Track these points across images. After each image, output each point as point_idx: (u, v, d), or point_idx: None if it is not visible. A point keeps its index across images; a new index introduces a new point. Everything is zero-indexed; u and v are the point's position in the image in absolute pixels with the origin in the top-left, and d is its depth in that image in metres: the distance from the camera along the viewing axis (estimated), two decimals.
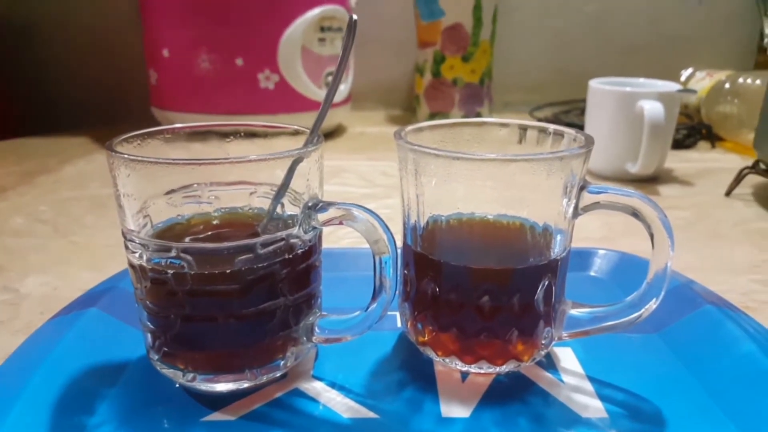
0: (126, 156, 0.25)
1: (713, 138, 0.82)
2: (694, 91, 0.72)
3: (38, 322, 0.33)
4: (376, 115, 1.03)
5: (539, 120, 0.88)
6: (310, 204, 0.27)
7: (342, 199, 0.61)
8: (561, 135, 0.30)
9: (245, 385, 0.28)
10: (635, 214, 0.26)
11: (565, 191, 0.27)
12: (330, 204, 0.27)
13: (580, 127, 0.73)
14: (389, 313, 0.28)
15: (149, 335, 0.28)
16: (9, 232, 0.52)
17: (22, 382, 0.27)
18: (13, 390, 0.26)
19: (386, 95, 1.08)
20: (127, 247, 0.27)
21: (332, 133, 0.89)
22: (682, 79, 0.93)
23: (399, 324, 0.32)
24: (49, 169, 0.71)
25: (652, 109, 0.59)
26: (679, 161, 0.73)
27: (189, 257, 0.25)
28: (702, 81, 0.88)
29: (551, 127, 0.30)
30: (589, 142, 0.27)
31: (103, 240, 0.50)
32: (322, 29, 0.78)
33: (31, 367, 0.28)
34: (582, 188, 0.27)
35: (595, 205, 0.27)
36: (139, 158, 0.24)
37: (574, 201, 0.27)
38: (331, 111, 0.85)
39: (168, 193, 0.27)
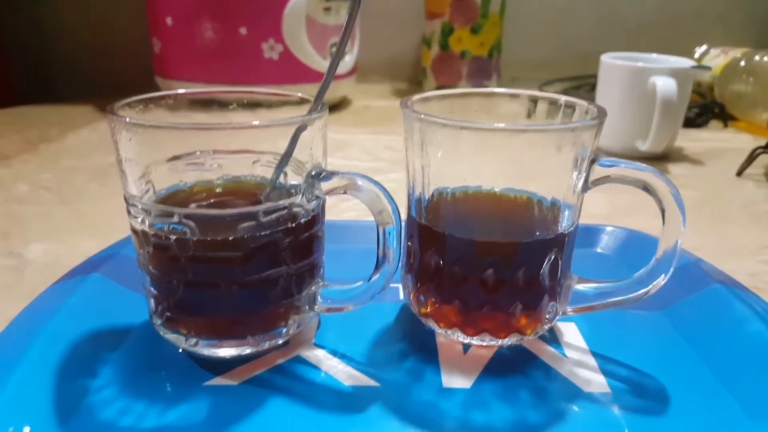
0: (128, 120, 0.24)
1: (726, 117, 0.81)
2: (708, 68, 0.70)
3: (41, 288, 0.33)
4: (382, 89, 1.02)
5: None
6: (313, 173, 0.26)
7: None
8: (572, 107, 0.29)
9: (247, 351, 0.28)
10: (647, 188, 0.26)
11: (575, 164, 0.26)
12: (334, 173, 0.26)
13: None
14: (392, 285, 0.28)
15: (152, 300, 0.28)
16: (13, 199, 0.52)
17: (25, 346, 0.27)
18: (16, 354, 0.26)
19: (392, 68, 1.06)
20: (129, 213, 0.27)
21: (337, 106, 0.88)
22: (696, 56, 0.91)
23: (401, 296, 0.32)
24: (52, 137, 0.71)
25: (665, 85, 0.58)
26: (690, 140, 0.72)
27: (191, 223, 0.25)
28: (716, 58, 0.87)
29: (562, 98, 0.30)
30: (602, 114, 0.26)
31: (106, 208, 0.49)
32: None
33: (34, 331, 0.28)
34: (593, 161, 0.26)
35: (606, 179, 0.27)
36: (141, 122, 0.24)
37: (584, 174, 0.27)
38: (336, 83, 0.84)
39: (170, 159, 0.27)
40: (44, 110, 0.85)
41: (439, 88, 0.92)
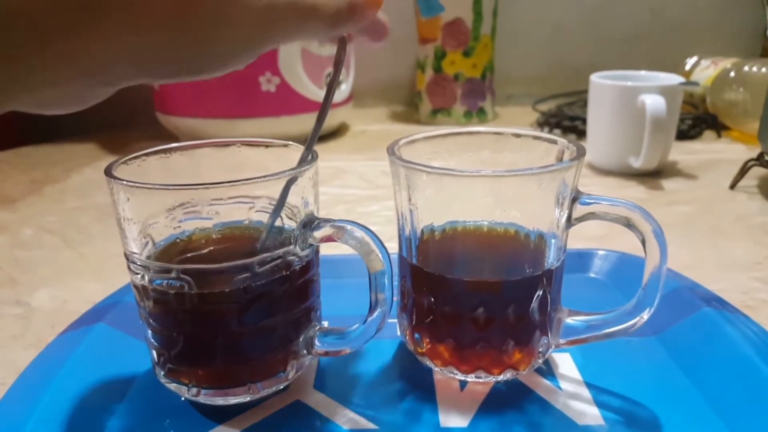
0: (125, 182, 0.25)
1: (719, 127, 0.81)
2: (696, 84, 0.71)
3: (49, 336, 0.34)
4: (379, 112, 1.03)
5: (543, 113, 0.87)
6: (305, 222, 0.27)
7: (344, 202, 0.61)
8: (554, 142, 0.30)
9: (248, 398, 0.28)
10: (629, 225, 0.27)
11: (557, 202, 0.27)
12: (325, 221, 0.27)
13: (584, 119, 0.73)
14: (389, 320, 0.29)
15: (154, 352, 0.29)
16: (19, 245, 0.53)
17: (35, 399, 0.28)
18: (27, 406, 0.27)
19: (388, 92, 1.08)
20: (129, 268, 0.28)
21: (334, 133, 0.89)
22: (687, 67, 0.92)
23: (399, 332, 0.33)
24: (55, 178, 0.72)
25: (654, 103, 0.59)
26: (683, 153, 0.73)
27: (189, 278, 0.26)
28: (707, 69, 0.88)
29: (543, 135, 0.31)
30: (580, 153, 0.27)
31: (109, 250, 0.51)
32: None
33: (43, 383, 0.29)
34: (574, 200, 0.27)
35: (589, 216, 0.27)
36: (138, 184, 0.25)
37: (566, 212, 0.27)
38: (333, 111, 0.85)
39: (168, 210, 0.27)
40: (48, 150, 0.86)
41: (434, 110, 0.93)
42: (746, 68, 0.79)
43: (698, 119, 0.82)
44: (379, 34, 0.28)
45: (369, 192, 0.64)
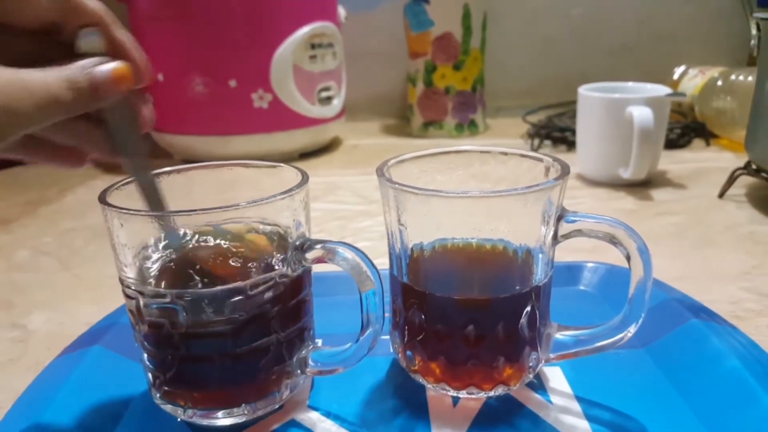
0: (118, 209, 0.26)
1: (708, 136, 0.82)
2: (683, 95, 0.72)
3: (46, 359, 0.34)
4: (371, 126, 1.04)
5: (533, 124, 0.88)
6: (297, 243, 0.28)
7: (337, 218, 0.61)
8: (540, 160, 0.31)
9: (243, 419, 0.29)
10: (614, 242, 0.27)
11: (543, 220, 0.28)
12: (316, 243, 0.28)
13: (574, 130, 0.74)
14: (383, 338, 0.29)
15: (149, 374, 0.29)
16: (15, 267, 0.54)
17: (33, 421, 0.28)
18: (26, 429, 0.28)
19: (380, 106, 1.09)
20: (124, 293, 0.28)
21: (327, 148, 0.90)
22: (675, 77, 0.93)
23: (391, 350, 0.33)
24: (50, 198, 0.73)
25: (641, 115, 0.60)
26: (673, 162, 0.74)
27: (182, 303, 0.26)
28: (694, 78, 0.89)
29: (530, 153, 0.31)
30: (564, 171, 0.28)
31: (104, 271, 0.51)
32: (313, 46, 0.79)
33: (41, 406, 0.29)
34: (560, 218, 0.28)
35: (575, 233, 0.28)
36: (131, 212, 0.26)
37: (552, 229, 0.28)
38: (325, 125, 0.86)
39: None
40: (42, 170, 0.86)
41: (426, 123, 0.94)
42: (733, 77, 0.80)
43: (687, 128, 0.83)
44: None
45: (362, 207, 0.64)
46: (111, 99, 0.25)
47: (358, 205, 0.65)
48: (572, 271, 0.41)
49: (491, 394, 0.29)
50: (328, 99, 0.84)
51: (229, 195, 0.29)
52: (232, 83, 0.76)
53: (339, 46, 0.84)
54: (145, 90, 0.28)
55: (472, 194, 0.26)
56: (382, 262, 0.29)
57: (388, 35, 1.02)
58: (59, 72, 0.23)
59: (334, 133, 0.92)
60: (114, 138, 0.27)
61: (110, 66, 0.24)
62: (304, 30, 0.77)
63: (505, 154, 0.32)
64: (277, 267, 0.28)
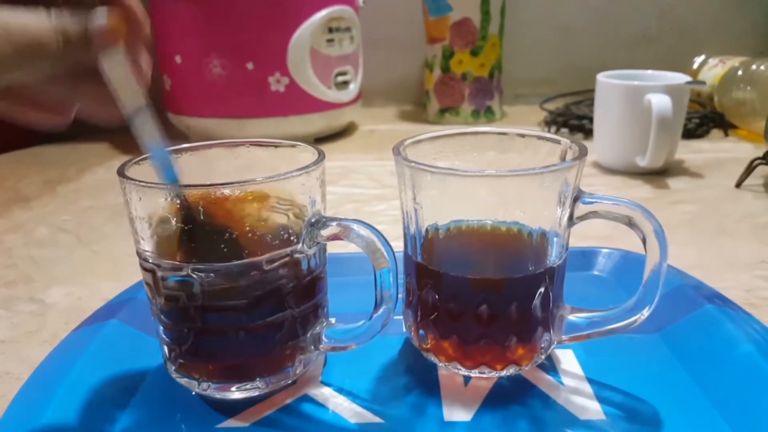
0: (137, 182, 0.26)
1: (726, 126, 0.81)
2: (703, 83, 0.71)
3: (63, 333, 0.35)
4: (387, 112, 1.04)
5: (550, 112, 0.87)
6: (312, 221, 0.28)
7: (352, 201, 0.61)
8: (558, 142, 0.31)
9: (257, 392, 0.29)
10: (631, 223, 0.27)
11: (559, 201, 0.27)
12: (331, 220, 0.28)
13: (591, 118, 0.73)
14: (395, 317, 0.29)
15: (165, 347, 0.29)
16: (34, 243, 0.55)
17: (50, 393, 0.29)
18: (42, 400, 0.28)
19: (396, 91, 1.08)
20: (141, 266, 0.28)
21: (343, 132, 0.90)
22: (695, 66, 0.92)
23: (404, 329, 0.34)
24: (69, 177, 0.74)
25: (660, 102, 0.59)
26: (690, 151, 0.73)
27: (200, 275, 0.26)
28: (714, 68, 0.87)
29: (547, 135, 0.31)
30: (582, 153, 0.28)
31: (123, 249, 0.52)
32: (330, 30, 0.79)
33: (58, 378, 0.30)
34: (576, 199, 0.28)
35: (592, 215, 0.28)
36: (149, 184, 0.26)
37: (568, 210, 0.28)
38: (341, 110, 0.86)
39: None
40: (61, 149, 0.88)
41: (442, 110, 0.94)
42: (754, 67, 0.79)
43: (705, 118, 0.81)
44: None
45: (377, 191, 0.64)
46: (105, 51, 0.23)
47: (373, 189, 0.65)
48: (587, 257, 0.41)
49: (503, 373, 0.29)
50: (345, 83, 0.84)
51: (246, 174, 0.29)
52: (250, 66, 0.76)
53: (356, 31, 0.84)
54: (141, 40, 0.26)
55: (489, 173, 0.26)
56: (397, 246, 0.29)
57: (406, 20, 1.02)
58: (49, 18, 0.21)
59: (350, 117, 0.92)
60: (111, 88, 0.26)
61: (105, 16, 0.23)
62: (322, 13, 0.77)
63: (522, 136, 0.32)
64: (293, 243, 0.28)
